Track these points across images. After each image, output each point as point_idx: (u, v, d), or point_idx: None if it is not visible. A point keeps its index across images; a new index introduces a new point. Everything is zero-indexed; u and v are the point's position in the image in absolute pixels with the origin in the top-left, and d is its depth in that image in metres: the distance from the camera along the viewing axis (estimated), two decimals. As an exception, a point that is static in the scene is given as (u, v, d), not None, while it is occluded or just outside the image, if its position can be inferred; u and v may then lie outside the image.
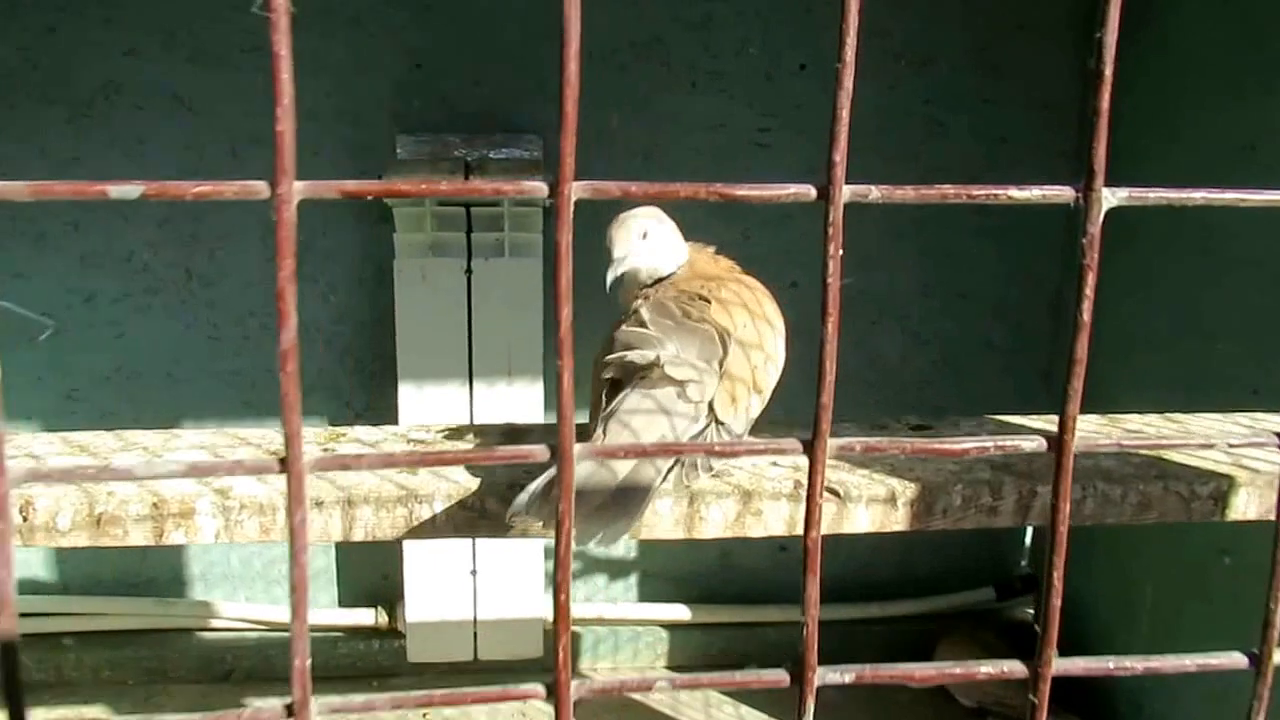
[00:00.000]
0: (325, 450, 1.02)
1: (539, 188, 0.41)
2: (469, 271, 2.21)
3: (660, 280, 1.19)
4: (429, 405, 2.25)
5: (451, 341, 2.22)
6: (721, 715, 2.49)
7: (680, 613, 2.60)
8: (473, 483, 0.94)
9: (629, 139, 2.34)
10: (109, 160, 2.25)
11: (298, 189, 0.37)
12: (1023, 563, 2.68)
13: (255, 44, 2.23)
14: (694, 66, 2.33)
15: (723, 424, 1.04)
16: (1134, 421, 1.21)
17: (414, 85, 2.27)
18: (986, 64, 2.37)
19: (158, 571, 2.49)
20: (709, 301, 1.13)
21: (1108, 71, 0.40)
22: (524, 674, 2.54)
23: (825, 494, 1.02)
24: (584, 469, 0.90)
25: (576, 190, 0.41)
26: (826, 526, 0.99)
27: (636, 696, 2.53)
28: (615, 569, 2.58)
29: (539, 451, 0.42)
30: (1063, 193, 0.45)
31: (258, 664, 2.53)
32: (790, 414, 1.17)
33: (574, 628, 2.57)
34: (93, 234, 2.30)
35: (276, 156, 0.36)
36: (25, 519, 0.83)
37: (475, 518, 0.92)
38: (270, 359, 2.38)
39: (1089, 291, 0.40)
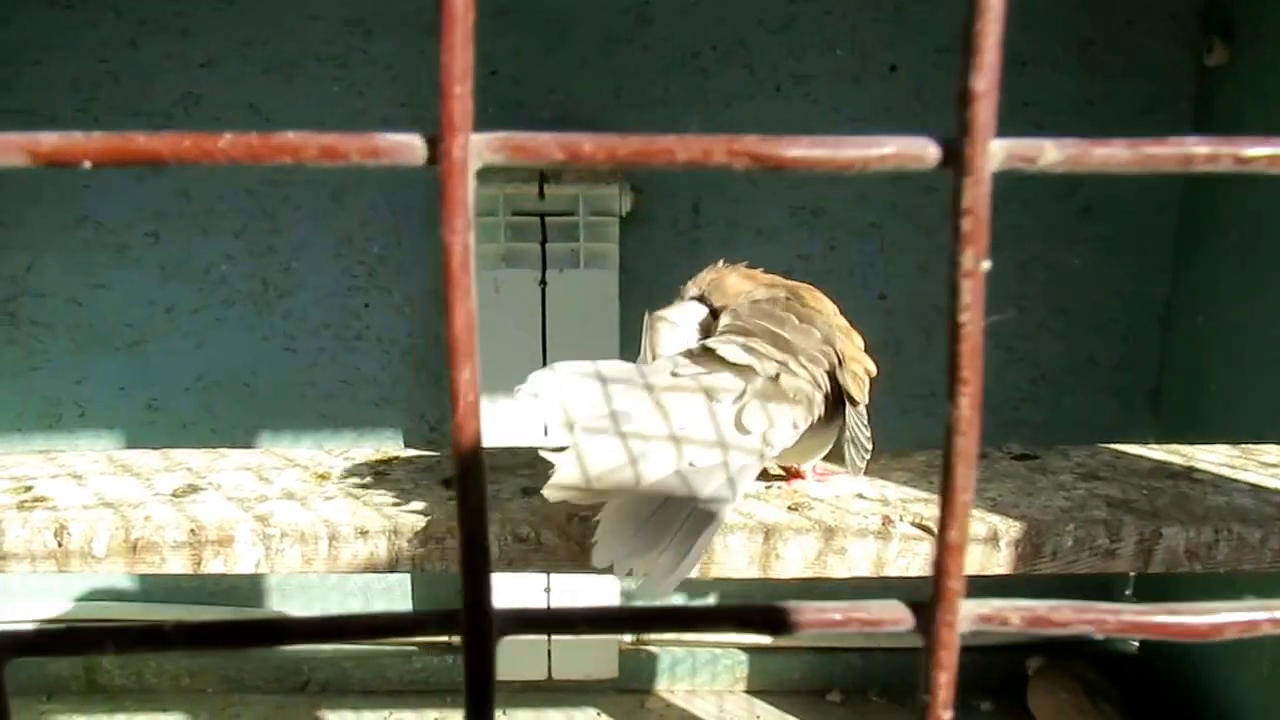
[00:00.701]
0: (376, 474, 0.96)
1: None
2: (543, 283, 2.15)
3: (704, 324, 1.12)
4: (504, 419, 2.20)
5: (525, 354, 2.17)
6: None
7: (761, 635, 2.50)
8: (528, 512, 0.88)
9: (710, 146, 2.27)
10: (188, 171, 2.26)
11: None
12: (1127, 592, 2.53)
13: (330, 54, 2.21)
14: (778, 69, 2.25)
15: (857, 404, 0.98)
16: (1274, 453, 1.09)
17: (489, 92, 2.23)
18: (1092, 63, 2.24)
19: (237, 580, 2.48)
20: (791, 298, 1.07)
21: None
22: (598, 693, 2.48)
23: (918, 529, 0.94)
24: (669, 479, 0.82)
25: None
26: (919, 567, 0.90)
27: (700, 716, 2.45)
28: (693, 588, 2.50)
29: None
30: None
31: (333, 676, 2.51)
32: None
33: (651, 648, 2.52)
34: (172, 245, 2.30)
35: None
36: (60, 544, 0.79)
37: (530, 550, 0.85)
38: (344, 371, 2.37)
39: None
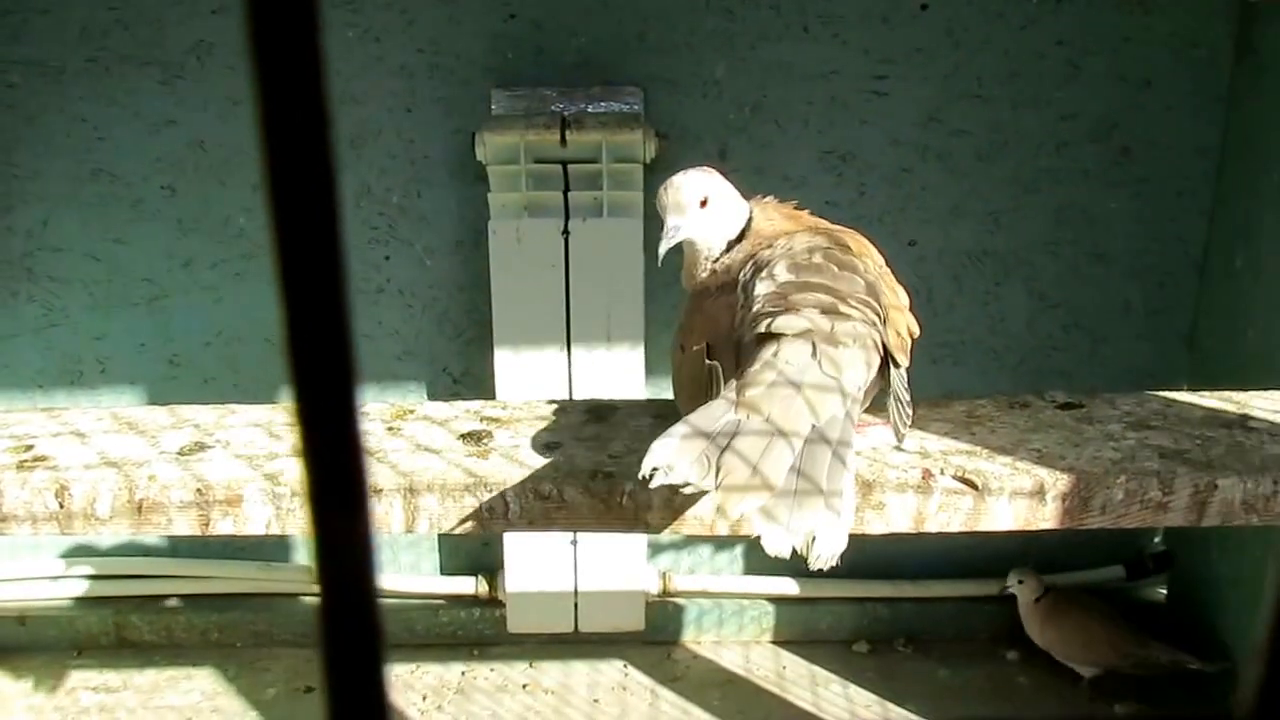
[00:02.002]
0: (391, 429, 0.93)
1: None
2: (566, 233, 2.10)
3: (733, 244, 1.08)
4: (526, 371, 2.17)
5: (548, 305, 2.13)
6: (829, 694, 2.38)
7: (787, 586, 2.48)
8: (550, 468, 0.84)
9: (736, 89, 2.20)
10: (203, 122, 2.22)
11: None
12: (1156, 539, 2.49)
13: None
14: (805, 10, 2.17)
15: (900, 367, 0.95)
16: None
17: (508, 37, 2.17)
18: (1129, -2, 2.15)
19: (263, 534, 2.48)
20: (845, 246, 1.04)
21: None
22: (625, 645, 2.47)
23: (959, 483, 0.89)
24: (753, 432, 0.80)
25: None
26: (961, 523, 0.86)
27: (741, 673, 2.44)
28: (720, 540, 2.47)
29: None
30: None
31: (360, 630, 2.51)
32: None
33: (677, 600, 2.50)
34: (189, 198, 2.27)
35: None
36: (62, 505, 0.76)
37: (553, 509, 0.82)
38: (366, 325, 2.34)
39: None
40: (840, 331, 0.90)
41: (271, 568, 2.51)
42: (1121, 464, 0.88)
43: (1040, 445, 0.93)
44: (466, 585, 2.48)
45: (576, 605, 2.36)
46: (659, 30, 2.18)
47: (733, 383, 0.87)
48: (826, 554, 0.78)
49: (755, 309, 0.93)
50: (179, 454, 0.84)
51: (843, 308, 0.92)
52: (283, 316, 0.25)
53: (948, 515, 0.89)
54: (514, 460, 0.85)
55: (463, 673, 2.43)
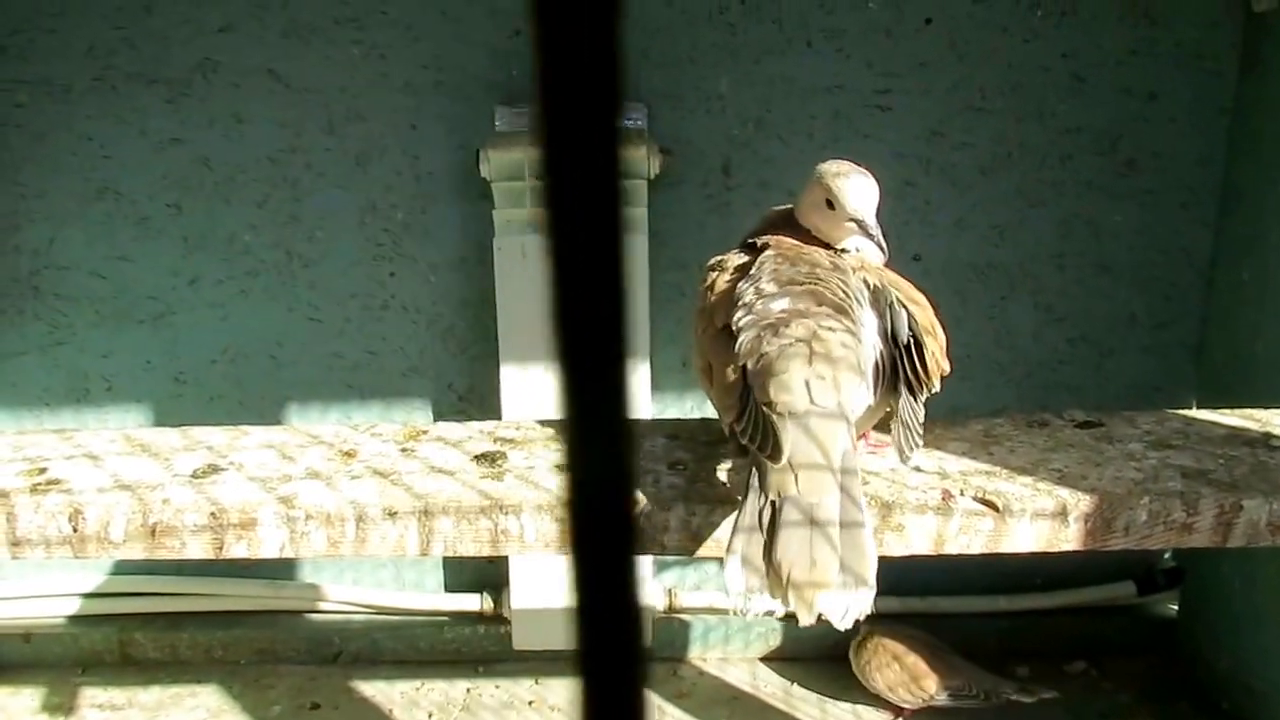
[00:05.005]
0: (405, 450, 0.92)
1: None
2: (571, 248, 2.10)
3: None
4: (532, 388, 2.17)
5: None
6: (837, 710, 2.37)
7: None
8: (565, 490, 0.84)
9: (739, 104, 2.21)
10: (209, 140, 2.22)
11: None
12: (1166, 555, 2.48)
13: (348, 15, 2.15)
14: (808, 25, 2.18)
15: (930, 391, 0.99)
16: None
17: (513, 54, 2.17)
18: (1134, 11, 2.15)
19: (265, 554, 2.47)
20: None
21: None
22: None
23: (980, 504, 0.89)
24: (799, 509, 0.85)
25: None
26: (981, 545, 0.85)
27: (748, 690, 2.43)
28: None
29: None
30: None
31: (365, 646, 2.50)
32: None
33: (683, 616, 2.49)
34: (194, 216, 2.26)
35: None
36: (75, 529, 0.76)
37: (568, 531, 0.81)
38: (371, 341, 2.34)
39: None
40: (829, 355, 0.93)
41: (276, 585, 2.50)
42: (1144, 484, 0.87)
43: (1061, 465, 0.92)
44: (472, 602, 2.47)
45: (583, 622, 2.35)
46: (662, 45, 2.18)
47: (756, 474, 0.90)
48: (856, 614, 0.88)
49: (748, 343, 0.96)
50: (192, 477, 0.83)
51: (822, 323, 0.95)
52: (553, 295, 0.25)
53: (968, 537, 0.88)
54: (529, 482, 0.85)
55: (468, 690, 2.42)
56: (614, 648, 0.25)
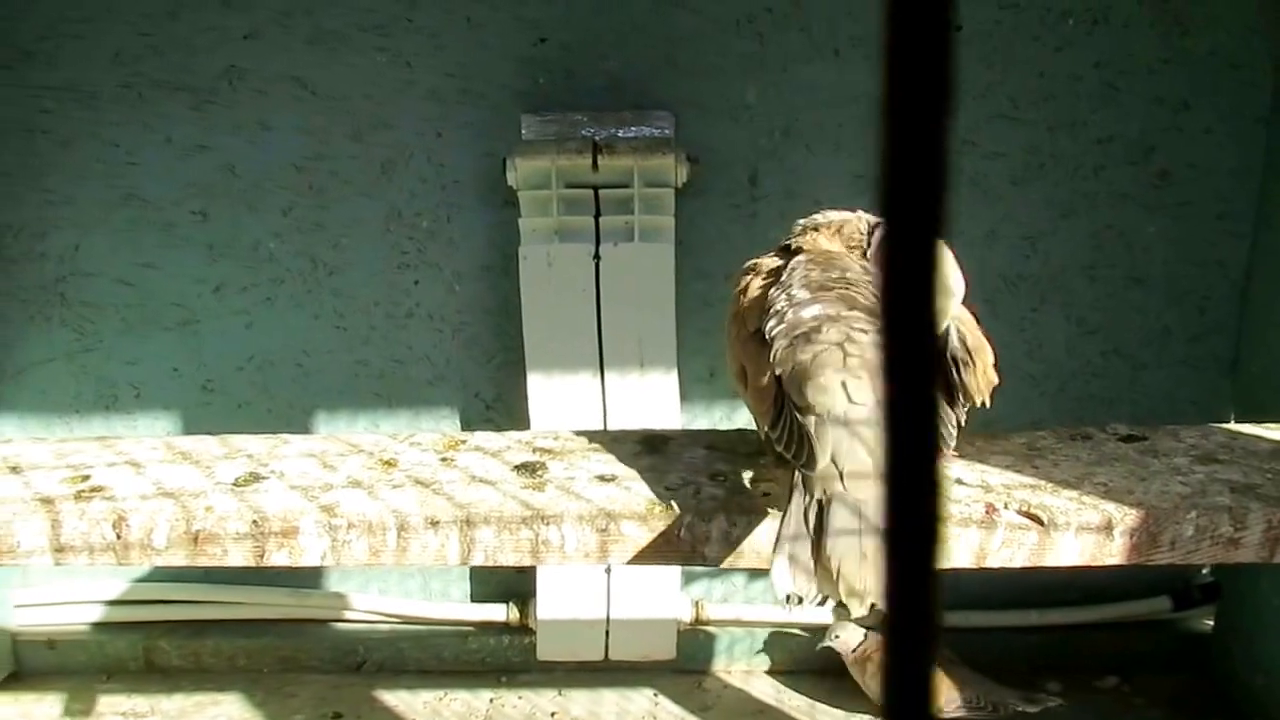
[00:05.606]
0: (445, 460, 0.91)
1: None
2: (597, 257, 2.09)
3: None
4: (559, 396, 2.16)
5: (580, 330, 2.12)
6: (866, 727, 2.34)
7: (821, 616, 2.45)
8: (606, 501, 0.82)
9: (767, 113, 2.19)
10: (234, 147, 2.22)
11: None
12: (1203, 569, 2.44)
13: (374, 23, 2.15)
14: (836, 33, 2.17)
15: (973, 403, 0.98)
16: None
17: (538, 62, 2.17)
18: (1167, 19, 2.13)
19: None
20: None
21: None
22: (655, 674, 2.44)
23: (1023, 518, 0.87)
24: (844, 509, 0.82)
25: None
26: (1025, 558, 0.84)
27: (772, 703, 2.40)
28: (755, 569, 2.44)
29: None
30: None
31: (389, 656, 2.49)
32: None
33: (709, 628, 2.47)
34: (220, 223, 2.27)
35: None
36: (119, 536, 0.75)
37: (610, 542, 0.80)
38: (396, 350, 2.33)
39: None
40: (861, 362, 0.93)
41: (300, 594, 2.49)
42: (1191, 499, 0.85)
43: (1105, 479, 0.91)
44: (497, 612, 2.45)
45: (608, 633, 2.33)
46: (689, 54, 2.17)
47: (800, 474, 0.90)
48: None
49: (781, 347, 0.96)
50: (234, 485, 0.82)
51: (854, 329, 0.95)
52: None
53: (1011, 551, 0.87)
54: (569, 492, 0.83)
55: (491, 700, 2.40)
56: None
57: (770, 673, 2.48)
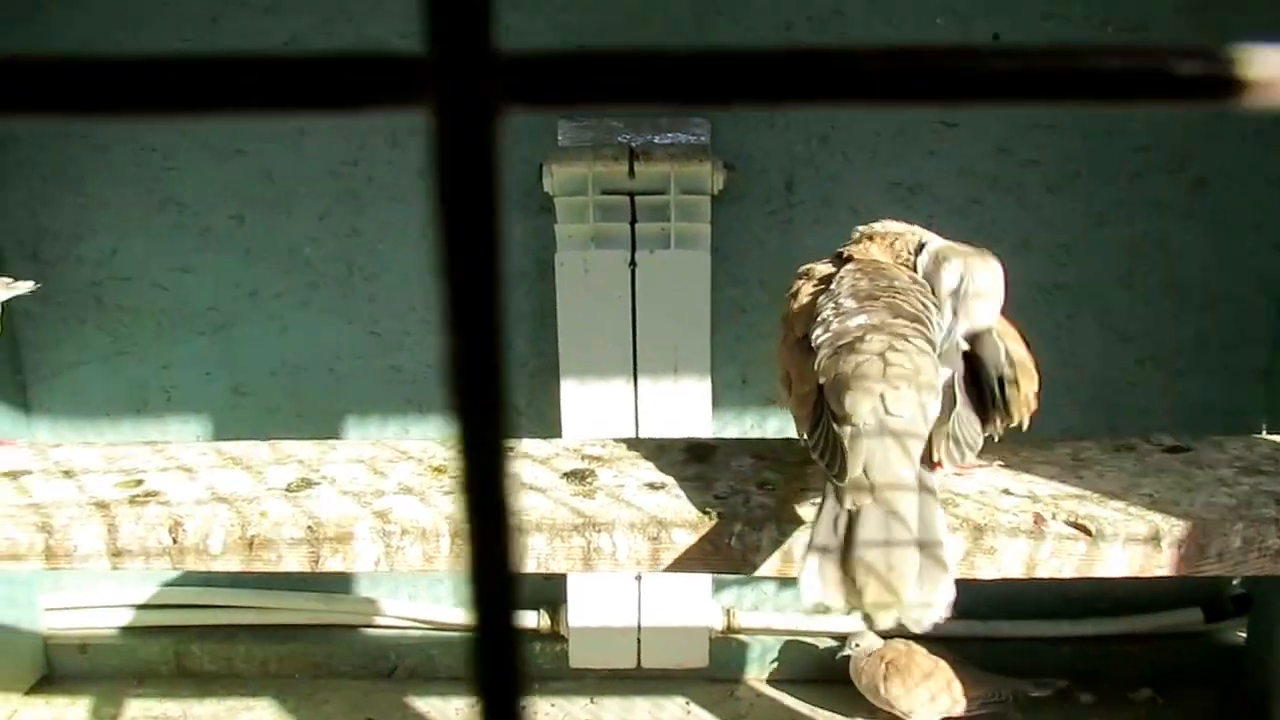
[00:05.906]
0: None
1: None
2: (633, 264, 2.09)
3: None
4: (592, 403, 2.16)
5: (615, 337, 2.12)
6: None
7: (854, 624, 2.44)
8: (657, 509, 0.82)
9: (803, 120, 2.19)
10: (271, 152, 2.23)
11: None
12: (1235, 581, 2.42)
13: (414, 30, 2.16)
14: (875, 40, 2.16)
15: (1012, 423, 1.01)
16: None
17: (576, 69, 2.17)
18: (1206, 26, 2.12)
19: (320, 567, 2.47)
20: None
21: None
22: (687, 682, 2.43)
23: (1072, 529, 0.87)
24: (874, 520, 0.82)
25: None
26: (1073, 569, 0.83)
27: (805, 712, 2.39)
28: (786, 577, 2.43)
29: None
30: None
31: (420, 662, 2.49)
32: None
33: (741, 636, 2.46)
34: (256, 227, 2.28)
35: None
36: (175, 540, 0.76)
37: (661, 550, 0.80)
38: (430, 355, 2.34)
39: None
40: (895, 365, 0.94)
41: (332, 599, 2.50)
42: (1238, 510, 0.85)
43: (1152, 490, 0.91)
44: (528, 619, 2.45)
45: (639, 641, 2.33)
46: (727, 60, 2.17)
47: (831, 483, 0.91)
48: (933, 619, 0.84)
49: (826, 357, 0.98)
50: (287, 490, 0.83)
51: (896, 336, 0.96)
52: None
53: (1060, 561, 0.87)
54: (620, 500, 0.84)
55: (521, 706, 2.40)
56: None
57: (803, 681, 2.47)
